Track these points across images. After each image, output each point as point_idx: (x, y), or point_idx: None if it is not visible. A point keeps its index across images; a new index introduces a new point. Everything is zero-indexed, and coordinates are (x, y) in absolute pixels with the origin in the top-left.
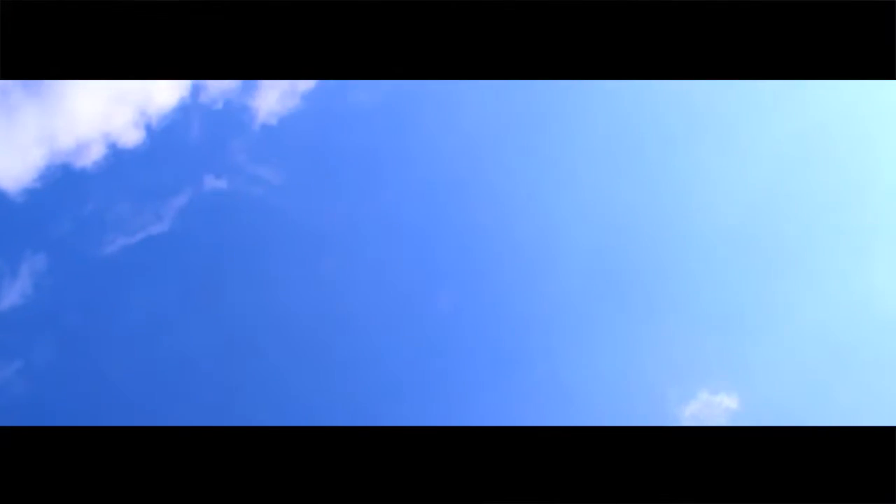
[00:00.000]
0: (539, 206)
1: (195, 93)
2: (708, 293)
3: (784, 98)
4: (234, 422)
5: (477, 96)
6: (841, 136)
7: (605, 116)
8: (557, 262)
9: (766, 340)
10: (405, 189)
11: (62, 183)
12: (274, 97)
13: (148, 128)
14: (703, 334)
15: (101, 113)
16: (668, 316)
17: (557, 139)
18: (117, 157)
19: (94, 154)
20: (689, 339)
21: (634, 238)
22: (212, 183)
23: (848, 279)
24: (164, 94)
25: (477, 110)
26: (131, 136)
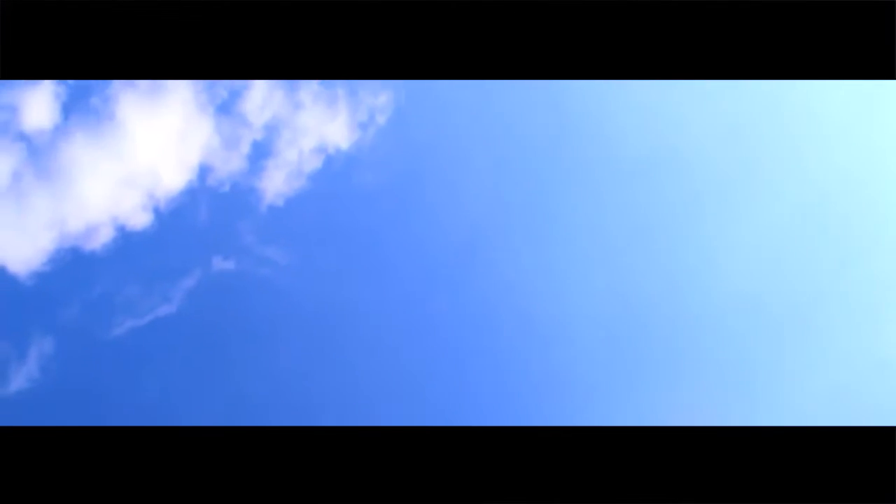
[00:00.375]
0: (547, 278)
1: (202, 175)
2: (718, 358)
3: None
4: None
5: (479, 161)
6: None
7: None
8: (567, 331)
9: (780, 408)
10: (412, 269)
11: (71, 266)
12: (280, 178)
13: (156, 210)
14: (715, 404)
15: (110, 196)
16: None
17: (564, 190)
18: (126, 239)
19: (103, 237)
20: (702, 410)
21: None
22: (220, 264)
23: (854, 326)
24: (172, 176)
25: (480, 174)
26: (140, 219)
